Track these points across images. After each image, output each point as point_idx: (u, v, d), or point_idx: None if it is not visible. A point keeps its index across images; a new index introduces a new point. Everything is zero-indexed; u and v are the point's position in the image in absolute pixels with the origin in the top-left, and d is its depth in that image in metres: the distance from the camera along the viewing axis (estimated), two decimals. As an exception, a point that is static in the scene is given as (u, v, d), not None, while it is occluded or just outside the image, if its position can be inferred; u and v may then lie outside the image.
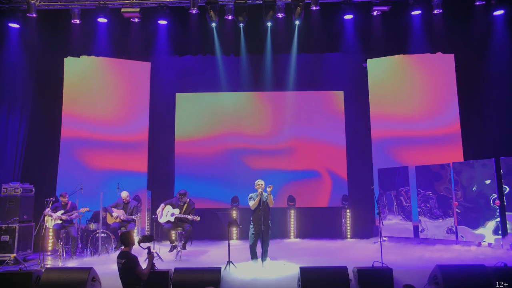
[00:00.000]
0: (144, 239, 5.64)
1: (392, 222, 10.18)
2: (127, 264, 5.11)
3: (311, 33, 10.53)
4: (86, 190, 8.96)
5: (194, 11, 9.48)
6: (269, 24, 10.15)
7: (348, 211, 11.15)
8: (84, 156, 10.76)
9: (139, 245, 5.58)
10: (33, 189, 9.05)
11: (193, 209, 8.45)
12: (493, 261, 6.32)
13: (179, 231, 8.32)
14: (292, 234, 11.07)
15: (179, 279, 5.87)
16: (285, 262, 7.35)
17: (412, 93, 11.10)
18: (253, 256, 7.35)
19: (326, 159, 11.69)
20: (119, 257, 5.23)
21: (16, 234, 8.22)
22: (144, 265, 5.32)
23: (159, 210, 8.42)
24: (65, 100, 10.82)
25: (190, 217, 8.20)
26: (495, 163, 8.76)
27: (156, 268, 5.73)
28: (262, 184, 7.29)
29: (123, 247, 5.35)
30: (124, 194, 8.86)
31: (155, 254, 6.94)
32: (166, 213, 8.37)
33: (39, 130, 10.51)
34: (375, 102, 11.36)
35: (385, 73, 11.40)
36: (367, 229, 10.86)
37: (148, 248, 5.55)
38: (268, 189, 7.24)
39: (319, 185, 11.64)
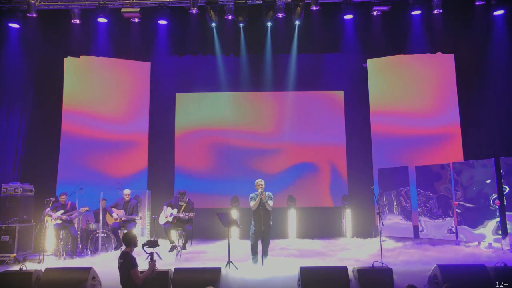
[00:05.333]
0: (149, 243, 5.52)
1: (392, 222, 10.19)
2: (124, 264, 5.07)
3: (311, 33, 10.55)
4: (85, 189, 8.96)
5: (194, 11, 9.49)
6: (269, 24, 10.15)
7: (348, 211, 11.14)
8: (84, 156, 10.77)
9: (142, 248, 5.48)
10: (33, 189, 9.06)
11: (193, 208, 8.43)
12: (493, 261, 6.31)
13: (179, 231, 8.31)
14: (292, 234, 11.05)
15: (179, 279, 5.85)
16: (285, 262, 7.34)
17: (412, 93, 11.10)
18: (254, 255, 7.34)
19: (326, 159, 11.69)
20: (119, 256, 5.23)
21: (16, 234, 8.22)
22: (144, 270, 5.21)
23: (162, 213, 8.43)
24: (65, 100, 10.83)
25: (182, 214, 8.14)
26: (495, 163, 8.76)
27: (155, 275, 5.38)
28: (262, 184, 7.27)
29: (124, 247, 5.33)
30: (127, 192, 8.85)
31: (155, 254, 6.92)
32: (166, 215, 8.38)
33: (39, 130, 10.52)
34: (375, 102, 11.36)
35: (385, 73, 11.41)
36: (367, 229, 10.87)
37: (151, 254, 5.38)
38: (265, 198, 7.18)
39: (319, 185, 11.64)
